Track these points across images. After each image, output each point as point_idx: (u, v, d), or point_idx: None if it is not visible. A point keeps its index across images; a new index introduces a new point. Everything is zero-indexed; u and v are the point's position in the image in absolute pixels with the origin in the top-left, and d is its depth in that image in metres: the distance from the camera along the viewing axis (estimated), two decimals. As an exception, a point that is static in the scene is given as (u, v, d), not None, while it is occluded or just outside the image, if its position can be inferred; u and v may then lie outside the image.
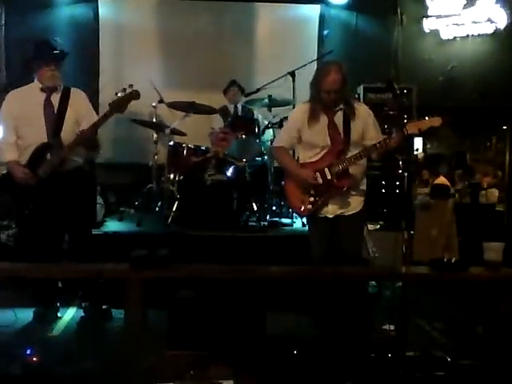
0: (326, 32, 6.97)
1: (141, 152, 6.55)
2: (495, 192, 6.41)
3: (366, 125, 3.61)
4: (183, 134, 5.73)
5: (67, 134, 3.83)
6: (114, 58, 6.88)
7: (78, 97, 3.96)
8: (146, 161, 6.11)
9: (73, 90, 3.97)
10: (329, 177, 3.55)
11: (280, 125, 5.56)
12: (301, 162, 3.71)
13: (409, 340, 3.27)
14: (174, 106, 5.53)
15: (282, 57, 6.62)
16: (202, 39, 6.83)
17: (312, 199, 3.60)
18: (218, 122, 5.87)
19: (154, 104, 5.69)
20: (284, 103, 5.66)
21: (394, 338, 3.53)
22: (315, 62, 6.30)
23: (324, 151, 3.59)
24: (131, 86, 3.77)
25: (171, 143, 5.47)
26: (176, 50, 6.85)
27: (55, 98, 3.88)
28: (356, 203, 3.64)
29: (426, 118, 3.42)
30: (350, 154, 3.55)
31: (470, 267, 3.04)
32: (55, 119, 3.82)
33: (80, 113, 3.90)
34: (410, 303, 3.39)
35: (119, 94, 3.72)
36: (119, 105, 3.73)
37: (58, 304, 4.07)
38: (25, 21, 6.45)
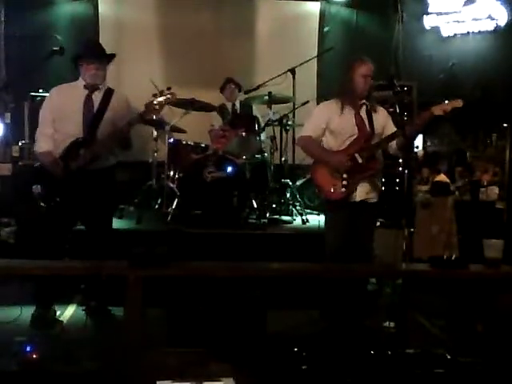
0: (326, 29, 6.97)
1: (141, 149, 6.52)
2: (495, 189, 6.38)
3: (386, 123, 3.82)
4: (183, 131, 5.72)
5: (103, 132, 3.87)
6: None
7: (119, 99, 4.00)
8: (145, 158, 6.10)
9: (116, 92, 4.01)
10: (360, 160, 3.70)
11: (280, 122, 5.57)
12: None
13: (409, 337, 3.27)
14: (173, 103, 5.52)
15: (283, 54, 6.62)
16: (203, 36, 6.83)
17: (345, 182, 3.71)
18: (217, 119, 5.86)
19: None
20: (284, 100, 5.65)
21: (393, 335, 3.53)
22: (315, 58, 6.31)
23: (350, 139, 3.75)
24: (169, 88, 3.84)
25: (171, 140, 5.46)
26: (176, 47, 6.85)
27: (97, 97, 3.93)
28: (378, 192, 3.84)
29: (446, 101, 3.56)
30: None
31: (470, 264, 3.04)
32: (93, 117, 3.88)
33: (119, 114, 3.93)
34: (410, 300, 3.40)
35: (159, 98, 3.80)
36: (155, 106, 3.81)
37: (55, 307, 3.99)
38: (25, 18, 6.44)
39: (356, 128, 3.74)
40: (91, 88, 3.93)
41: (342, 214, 3.76)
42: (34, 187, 3.87)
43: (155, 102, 3.81)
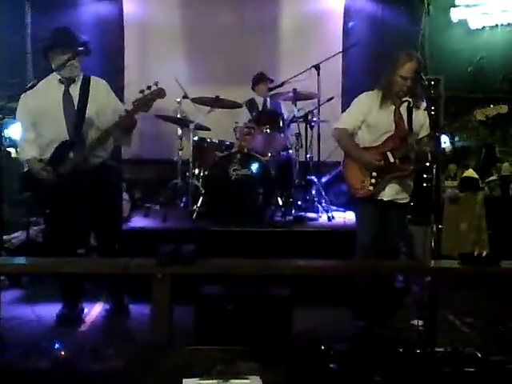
0: (351, 24, 6.90)
1: (166, 147, 6.58)
2: (526, 185, 6.27)
3: (424, 123, 3.70)
4: (208, 129, 5.72)
5: (89, 128, 3.66)
6: (138, 55, 6.92)
7: (98, 87, 3.74)
8: (170, 156, 6.12)
9: (93, 78, 3.75)
10: (392, 160, 3.66)
11: (305, 118, 5.54)
12: (361, 145, 3.78)
13: (438, 336, 3.21)
14: (198, 101, 5.52)
15: (307, 50, 6.59)
16: (226, 34, 6.84)
17: (374, 181, 3.69)
18: (242, 116, 5.84)
19: (178, 99, 5.67)
20: (309, 96, 5.60)
21: (422, 334, 3.47)
22: (340, 54, 6.24)
23: (386, 136, 3.69)
24: (157, 83, 3.54)
25: (196, 138, 5.47)
26: (200, 46, 6.86)
27: (74, 90, 3.67)
28: (408, 192, 3.81)
29: (491, 105, 3.46)
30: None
31: (501, 261, 2.97)
32: (75, 113, 3.63)
33: (102, 103, 3.71)
34: (440, 298, 3.34)
35: (145, 92, 3.51)
36: (144, 103, 3.53)
37: (83, 305, 4.01)
38: (50, 19, 6.49)
39: (393, 124, 3.68)
40: (68, 81, 3.66)
41: (370, 211, 3.73)
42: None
43: (142, 99, 3.51)
